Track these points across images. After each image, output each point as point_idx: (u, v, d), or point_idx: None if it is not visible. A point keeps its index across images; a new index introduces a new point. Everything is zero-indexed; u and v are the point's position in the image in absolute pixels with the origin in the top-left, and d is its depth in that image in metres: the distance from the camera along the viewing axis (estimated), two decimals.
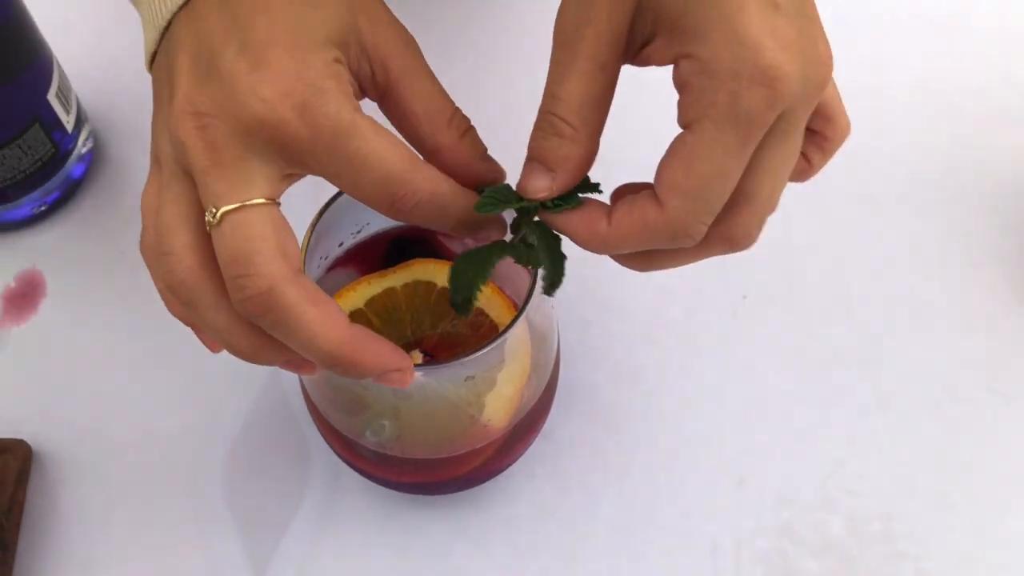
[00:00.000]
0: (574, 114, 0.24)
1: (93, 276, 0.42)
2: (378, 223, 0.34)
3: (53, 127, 0.40)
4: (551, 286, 0.26)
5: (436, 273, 0.33)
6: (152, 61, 0.25)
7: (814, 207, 0.44)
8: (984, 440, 0.39)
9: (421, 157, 0.24)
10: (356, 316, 0.32)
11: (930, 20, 0.50)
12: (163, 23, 0.24)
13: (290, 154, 0.23)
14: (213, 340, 0.26)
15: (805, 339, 0.41)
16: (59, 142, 0.41)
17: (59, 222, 0.43)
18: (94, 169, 0.44)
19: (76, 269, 0.42)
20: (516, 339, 0.30)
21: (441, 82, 0.26)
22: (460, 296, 0.25)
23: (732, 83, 0.21)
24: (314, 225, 0.29)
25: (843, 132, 0.27)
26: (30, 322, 0.41)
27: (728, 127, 0.22)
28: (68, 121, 0.41)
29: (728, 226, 0.24)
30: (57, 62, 0.41)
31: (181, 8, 0.24)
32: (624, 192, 0.26)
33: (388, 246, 0.34)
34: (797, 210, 0.44)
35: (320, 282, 0.32)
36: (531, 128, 0.25)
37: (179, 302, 0.25)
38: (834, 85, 0.27)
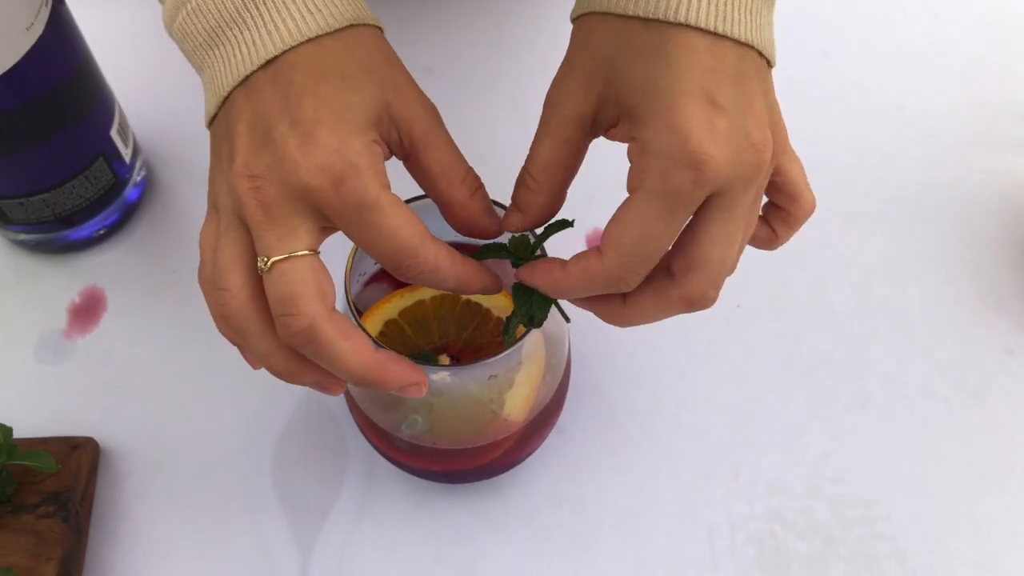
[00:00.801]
0: (540, 172, 0.29)
1: (148, 291, 0.46)
2: None
3: (114, 159, 0.44)
4: (529, 321, 0.30)
5: None
6: (211, 122, 0.30)
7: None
8: (955, 435, 0.43)
9: (430, 233, 0.28)
10: (391, 324, 0.36)
11: (909, 50, 0.54)
12: (224, 93, 0.29)
13: (325, 216, 0.27)
14: (255, 360, 0.30)
15: (793, 345, 0.45)
16: (118, 172, 0.45)
17: (117, 243, 0.47)
18: (147, 194, 0.48)
19: (133, 285, 0.46)
20: (532, 344, 0.34)
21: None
22: (535, 317, 0.30)
23: (664, 163, 0.26)
24: (356, 248, 0.34)
25: (807, 209, 0.32)
26: (93, 333, 0.45)
27: (656, 198, 0.26)
28: (126, 153, 0.46)
29: (685, 289, 0.28)
30: (117, 102, 0.45)
31: (240, 83, 0.28)
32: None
33: None
34: None
35: (359, 294, 0.37)
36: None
37: (232, 331, 0.29)
38: (800, 167, 0.31)
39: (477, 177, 0.31)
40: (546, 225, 0.31)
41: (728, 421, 0.43)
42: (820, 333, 0.45)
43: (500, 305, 0.37)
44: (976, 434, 0.43)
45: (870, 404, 0.43)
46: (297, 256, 0.27)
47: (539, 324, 0.30)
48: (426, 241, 0.28)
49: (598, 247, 0.28)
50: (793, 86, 0.53)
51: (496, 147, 0.50)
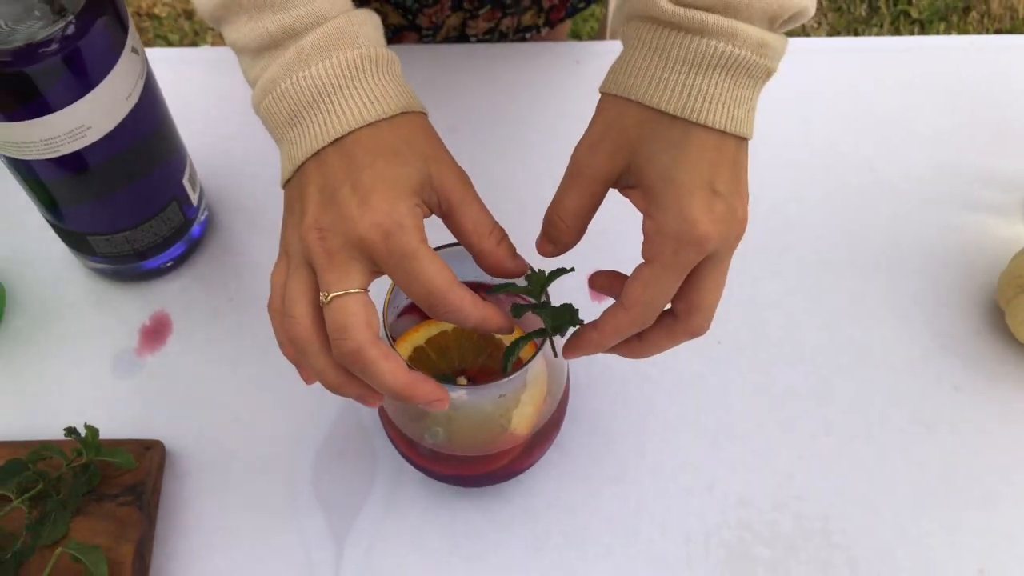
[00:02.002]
0: (569, 216, 0.37)
1: (209, 315, 0.53)
2: None
3: (184, 203, 0.52)
4: (555, 329, 0.38)
5: None
6: (285, 183, 0.37)
7: (776, 270, 0.55)
8: (906, 460, 0.49)
9: (458, 280, 0.35)
10: (418, 350, 0.43)
11: (881, 117, 0.61)
12: (299, 162, 0.36)
13: (375, 262, 0.34)
14: (310, 375, 0.37)
15: (766, 377, 0.51)
16: (187, 213, 0.52)
17: (182, 273, 0.54)
18: (208, 231, 0.56)
19: (195, 310, 0.53)
20: (535, 370, 0.41)
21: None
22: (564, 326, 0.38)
23: (675, 243, 0.34)
24: (393, 287, 0.40)
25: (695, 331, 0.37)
26: (160, 352, 0.52)
27: (669, 268, 0.35)
28: (194, 197, 0.53)
29: (688, 326, 0.37)
30: (188, 154, 0.53)
31: (313, 155, 0.36)
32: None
33: None
34: (762, 273, 0.55)
35: (393, 324, 0.43)
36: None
37: (294, 349, 0.36)
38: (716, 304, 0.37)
39: (502, 229, 0.38)
40: (552, 270, 0.38)
41: (706, 442, 0.49)
42: (790, 367, 0.52)
43: (509, 337, 0.44)
44: (925, 460, 0.49)
45: (832, 431, 0.50)
46: (352, 293, 0.34)
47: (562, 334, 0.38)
48: (454, 287, 0.35)
49: (620, 304, 0.36)
50: (776, 149, 0.60)
51: (511, 195, 0.57)
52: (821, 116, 0.61)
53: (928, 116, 0.61)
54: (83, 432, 0.45)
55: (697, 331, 0.37)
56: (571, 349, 0.38)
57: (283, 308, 0.36)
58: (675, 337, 0.37)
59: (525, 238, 0.40)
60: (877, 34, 1.53)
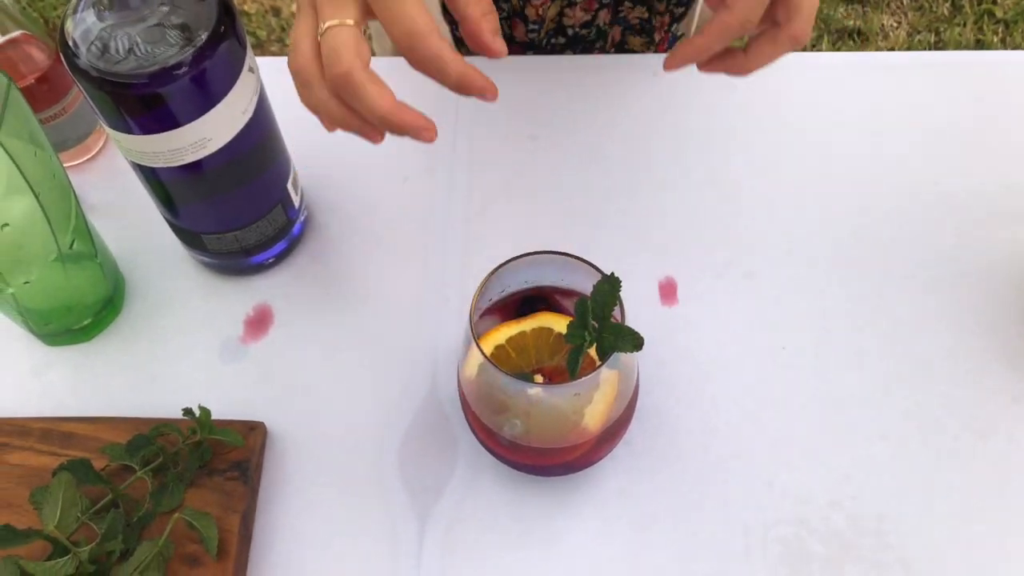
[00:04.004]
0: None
1: (307, 308, 0.58)
2: (515, 286, 0.48)
3: (287, 205, 0.57)
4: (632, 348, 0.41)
5: (554, 322, 0.48)
6: None
7: (842, 281, 0.57)
8: (959, 467, 0.51)
9: (440, 30, 0.37)
10: (499, 348, 0.47)
11: (950, 131, 0.63)
12: None
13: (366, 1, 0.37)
14: (324, 118, 0.41)
15: (826, 382, 0.54)
16: (289, 214, 0.57)
17: (283, 268, 0.59)
18: (307, 229, 0.61)
19: (295, 303, 0.58)
20: (607, 371, 0.44)
21: None
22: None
23: None
24: (478, 291, 0.44)
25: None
26: (263, 340, 0.57)
27: None
28: (296, 199, 0.58)
29: (791, 30, 0.40)
30: (292, 160, 0.57)
31: None
32: None
33: (521, 302, 0.49)
34: (828, 283, 0.57)
35: (477, 324, 0.47)
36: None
37: (300, 83, 0.40)
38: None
39: (494, 7, 0.40)
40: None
41: (767, 442, 0.52)
42: (851, 374, 0.54)
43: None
44: (979, 467, 0.51)
45: (889, 436, 0.52)
46: (345, 24, 0.38)
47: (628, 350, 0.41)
48: (435, 33, 0.37)
49: (724, 5, 0.39)
50: (845, 162, 0.62)
51: (587, 203, 0.60)
52: (891, 129, 0.63)
53: (998, 131, 0.62)
54: (197, 413, 0.49)
55: (799, 36, 0.40)
56: (675, 57, 0.41)
57: (291, 46, 0.40)
58: (778, 44, 0.40)
59: (598, 246, 0.43)
60: (959, 34, 1.51)
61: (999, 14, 1.52)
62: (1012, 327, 0.55)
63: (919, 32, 1.53)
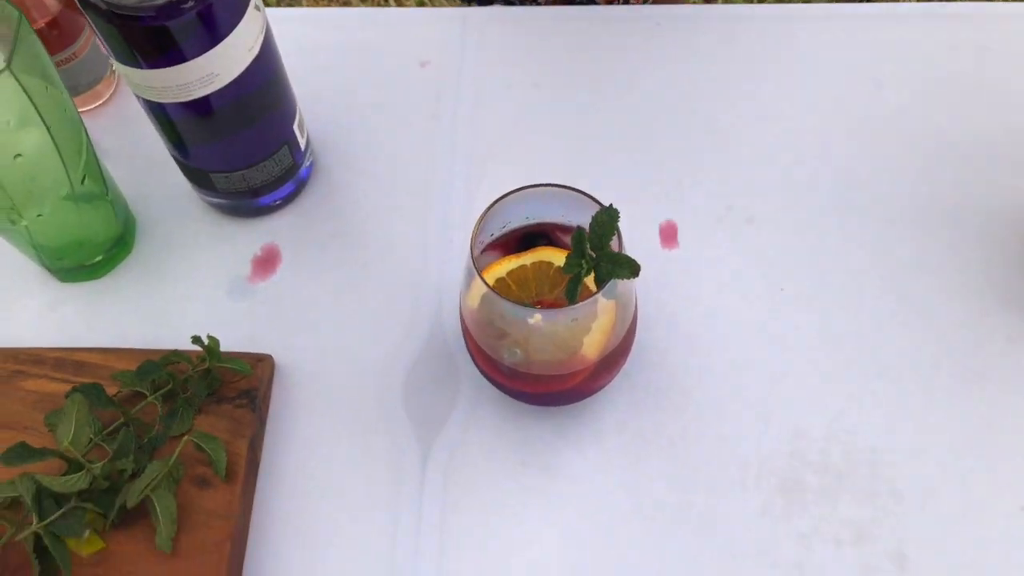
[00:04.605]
0: None
1: (314, 248, 0.59)
2: (517, 222, 0.49)
3: (294, 147, 0.58)
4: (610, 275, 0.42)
5: (555, 256, 0.49)
6: None
7: (842, 225, 0.58)
8: (955, 403, 0.52)
9: None
10: (500, 280, 0.48)
11: (952, 81, 0.63)
12: None
13: None
14: None
15: (825, 323, 0.54)
16: (295, 156, 0.58)
17: (290, 210, 0.60)
18: (314, 174, 0.62)
19: (302, 243, 0.59)
20: (604, 300, 0.45)
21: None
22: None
23: None
24: (478, 222, 0.45)
25: None
26: (270, 279, 0.58)
27: None
28: (302, 142, 0.59)
29: None
30: (298, 103, 0.58)
31: None
32: None
33: (522, 237, 0.50)
34: (828, 228, 0.58)
35: (478, 259, 0.48)
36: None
37: None
38: None
39: None
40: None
41: (765, 380, 0.53)
42: (849, 315, 0.55)
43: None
44: (973, 404, 0.52)
45: (885, 375, 0.53)
46: None
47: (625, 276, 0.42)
48: None
49: None
50: (847, 110, 0.63)
51: (585, 147, 0.61)
52: (892, 78, 0.63)
53: (999, 80, 0.62)
54: (206, 341, 0.51)
55: None
56: None
57: None
58: None
59: (600, 189, 0.44)
60: None
61: None
62: (1009, 270, 0.55)
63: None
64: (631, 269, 0.42)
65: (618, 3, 0.77)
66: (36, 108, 0.46)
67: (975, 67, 0.63)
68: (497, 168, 0.61)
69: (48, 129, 0.47)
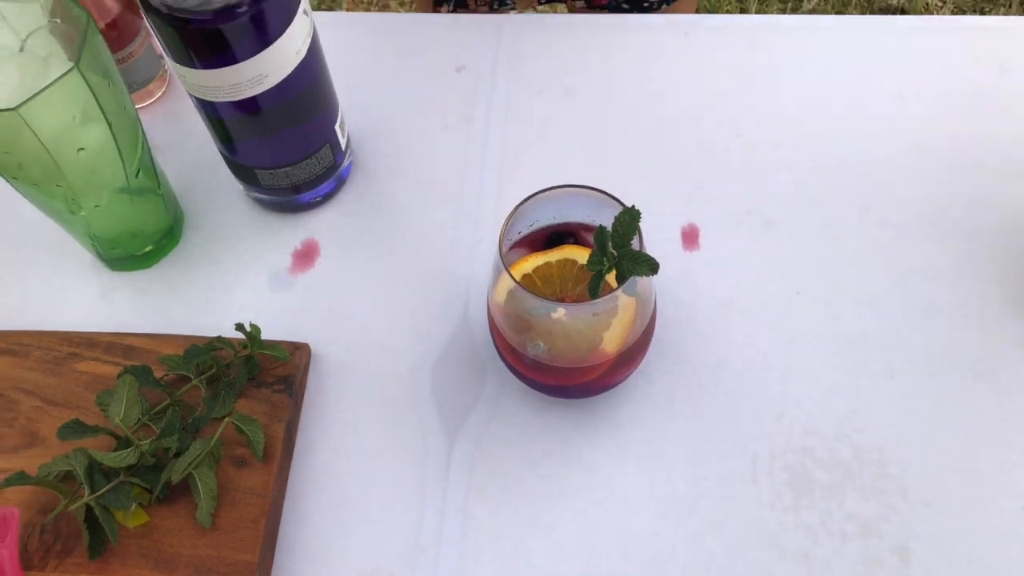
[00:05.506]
0: None
1: (351, 243, 0.62)
2: (544, 221, 0.52)
3: (335, 146, 0.61)
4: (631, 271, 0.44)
5: (579, 255, 0.51)
6: None
7: (858, 229, 0.59)
8: (964, 404, 0.53)
9: None
10: (527, 277, 0.51)
11: (974, 93, 0.64)
12: None
13: None
14: None
15: (838, 325, 0.56)
16: (336, 156, 0.61)
17: (330, 207, 0.63)
18: (353, 172, 0.65)
19: (340, 238, 0.62)
20: (624, 297, 0.47)
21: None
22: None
23: None
24: (507, 220, 0.48)
25: None
26: (309, 272, 0.61)
27: None
28: (343, 142, 0.62)
29: None
30: (339, 104, 0.61)
31: None
32: None
33: (549, 235, 0.52)
34: (842, 231, 0.60)
35: (508, 254, 0.51)
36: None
37: None
38: None
39: None
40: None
41: (778, 379, 0.55)
42: (862, 317, 0.56)
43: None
44: (982, 405, 0.53)
45: (896, 375, 0.55)
46: None
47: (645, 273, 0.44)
48: None
49: None
50: (866, 120, 0.64)
51: (617, 154, 0.63)
52: (910, 88, 0.65)
53: (1012, 93, 0.64)
54: (248, 328, 0.54)
55: None
56: None
57: None
58: None
59: (625, 192, 0.47)
60: (1004, 14, 1.50)
61: None
62: (1019, 277, 0.57)
63: (964, 13, 1.53)
64: (651, 267, 0.44)
65: (655, 11, 0.80)
66: (99, 105, 0.49)
67: (992, 79, 0.65)
68: (527, 170, 0.63)
69: (109, 125, 0.51)
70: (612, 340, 0.48)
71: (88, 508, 0.49)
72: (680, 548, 0.50)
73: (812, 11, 1.54)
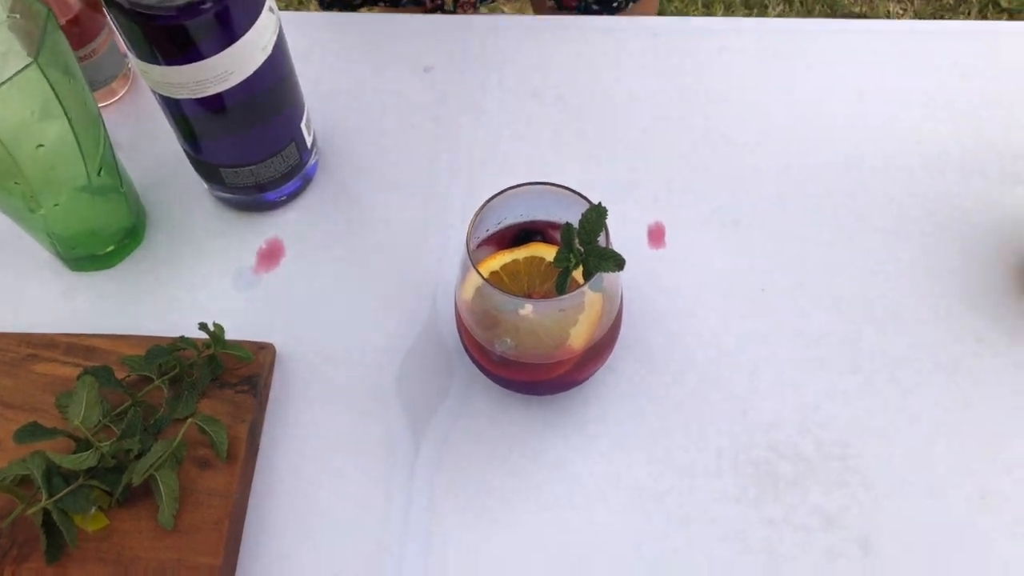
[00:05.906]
0: None
1: (316, 243, 0.61)
2: (511, 219, 0.52)
3: (301, 145, 0.60)
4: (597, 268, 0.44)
5: (546, 252, 0.51)
6: None
7: (821, 229, 0.60)
8: (925, 399, 0.54)
9: None
10: (494, 274, 0.50)
11: (931, 97, 0.66)
12: None
13: None
14: None
15: (803, 322, 0.57)
16: (302, 154, 0.61)
17: (295, 206, 0.63)
18: (319, 171, 0.64)
19: (305, 238, 0.62)
20: (590, 293, 0.48)
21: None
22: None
23: None
24: (475, 217, 0.48)
25: None
26: (274, 271, 0.60)
27: None
28: (308, 140, 0.61)
29: None
30: (305, 103, 0.61)
31: None
32: None
33: (517, 233, 0.52)
34: (807, 231, 0.60)
35: (475, 251, 0.51)
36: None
37: None
38: None
39: None
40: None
41: (743, 375, 0.55)
42: (826, 314, 0.57)
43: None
44: (942, 400, 0.54)
45: (859, 371, 0.55)
46: None
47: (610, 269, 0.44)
48: None
49: None
50: (831, 122, 0.65)
51: (585, 153, 0.64)
52: (875, 93, 0.66)
53: (976, 97, 0.65)
54: (212, 328, 0.53)
55: None
56: None
57: None
58: None
59: (592, 191, 0.47)
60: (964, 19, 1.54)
61: (1003, 3, 1.55)
62: (983, 276, 0.58)
63: (924, 20, 1.56)
64: (617, 263, 0.45)
65: (622, 11, 0.80)
66: (59, 100, 0.49)
67: (953, 81, 0.66)
68: (494, 169, 0.64)
69: (69, 121, 0.50)
70: (579, 336, 0.48)
71: (46, 512, 0.48)
72: (646, 542, 0.50)
73: (779, 16, 1.57)
